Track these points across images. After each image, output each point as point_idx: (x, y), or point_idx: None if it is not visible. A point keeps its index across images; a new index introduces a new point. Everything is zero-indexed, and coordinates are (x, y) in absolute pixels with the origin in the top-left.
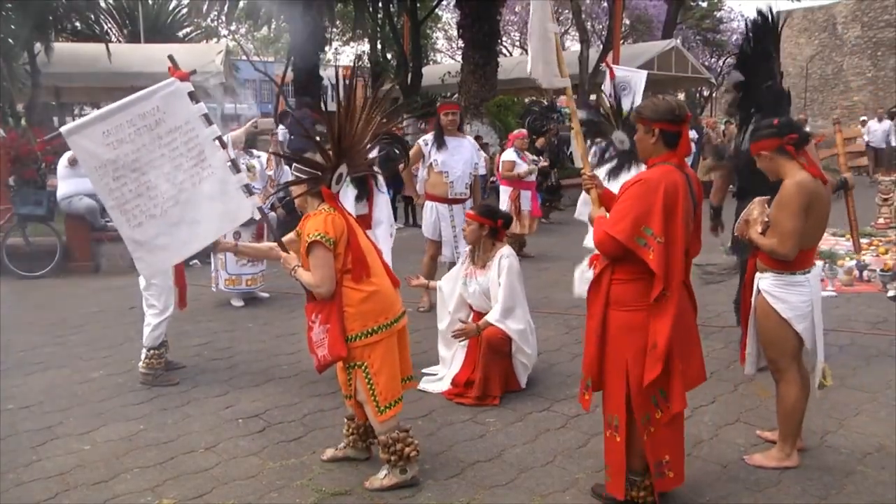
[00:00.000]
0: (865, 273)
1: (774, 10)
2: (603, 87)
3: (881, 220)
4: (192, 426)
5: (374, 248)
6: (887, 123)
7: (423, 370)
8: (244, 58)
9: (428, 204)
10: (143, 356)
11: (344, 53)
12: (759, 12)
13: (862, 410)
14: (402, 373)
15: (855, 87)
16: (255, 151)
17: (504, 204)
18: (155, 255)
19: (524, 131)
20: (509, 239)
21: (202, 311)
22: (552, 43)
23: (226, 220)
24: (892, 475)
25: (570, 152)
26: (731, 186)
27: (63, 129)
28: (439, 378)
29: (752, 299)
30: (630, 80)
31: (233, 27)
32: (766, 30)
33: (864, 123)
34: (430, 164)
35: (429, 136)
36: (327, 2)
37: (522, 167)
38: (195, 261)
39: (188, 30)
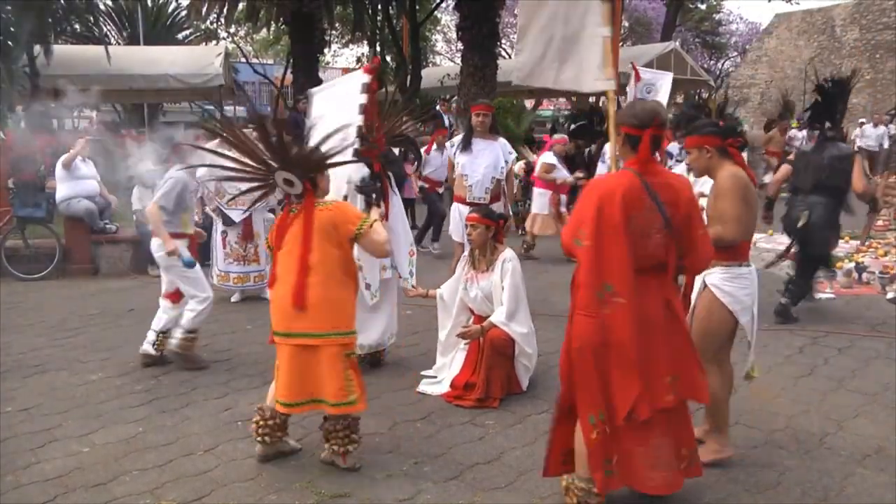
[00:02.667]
0: (864, 275)
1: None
2: (627, 89)
3: (879, 223)
4: (191, 428)
5: (293, 257)
6: (882, 128)
7: (423, 372)
8: (243, 60)
9: (454, 205)
10: (178, 336)
11: (343, 55)
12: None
13: (861, 412)
14: (302, 394)
15: (854, 89)
16: None
17: (542, 207)
18: None
19: (565, 137)
20: (527, 239)
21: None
22: (598, 46)
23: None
24: (891, 477)
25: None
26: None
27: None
28: (438, 381)
29: (694, 295)
30: (656, 81)
31: (232, 29)
32: (838, 85)
33: (861, 125)
34: (455, 165)
35: (457, 139)
36: (326, 4)
37: (562, 173)
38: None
39: (187, 32)
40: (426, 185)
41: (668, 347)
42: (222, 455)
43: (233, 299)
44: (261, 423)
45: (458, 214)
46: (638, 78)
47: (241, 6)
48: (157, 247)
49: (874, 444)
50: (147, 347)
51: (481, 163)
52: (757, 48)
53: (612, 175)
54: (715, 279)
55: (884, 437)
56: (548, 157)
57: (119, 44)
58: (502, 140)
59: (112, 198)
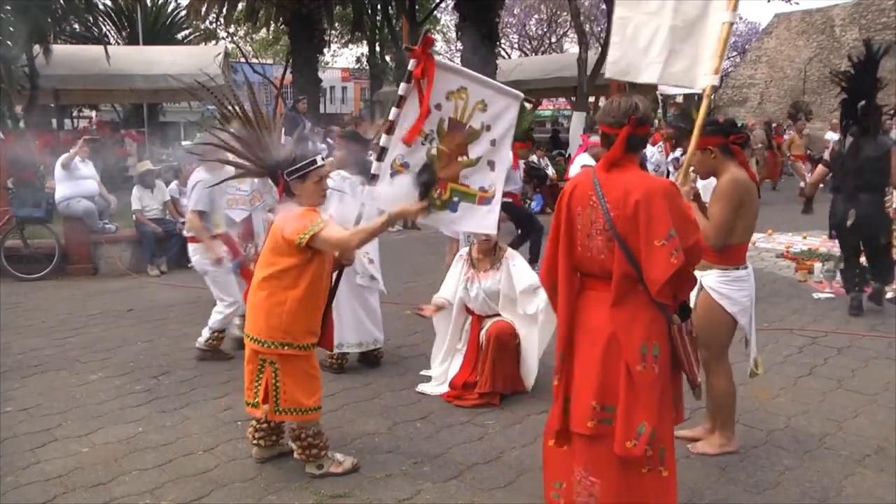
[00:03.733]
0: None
1: (873, 49)
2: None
3: None
4: (190, 428)
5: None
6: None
7: (422, 372)
8: (243, 60)
9: None
10: (205, 336)
11: (343, 55)
12: (866, 44)
13: (861, 413)
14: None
15: None
16: None
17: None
18: None
19: (597, 139)
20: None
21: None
22: (716, 34)
23: None
24: (890, 477)
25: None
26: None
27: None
28: (439, 382)
29: (693, 296)
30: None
31: (231, 29)
32: (868, 61)
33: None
34: None
35: None
36: (326, 4)
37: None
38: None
39: (187, 32)
40: (510, 200)
41: (606, 374)
42: (222, 455)
43: None
44: (256, 426)
45: None
46: None
47: (240, 6)
48: (193, 251)
49: (874, 444)
50: (200, 342)
51: None
52: (756, 48)
53: (578, 173)
54: (711, 282)
55: (883, 438)
56: (584, 159)
57: (118, 44)
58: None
59: (111, 198)
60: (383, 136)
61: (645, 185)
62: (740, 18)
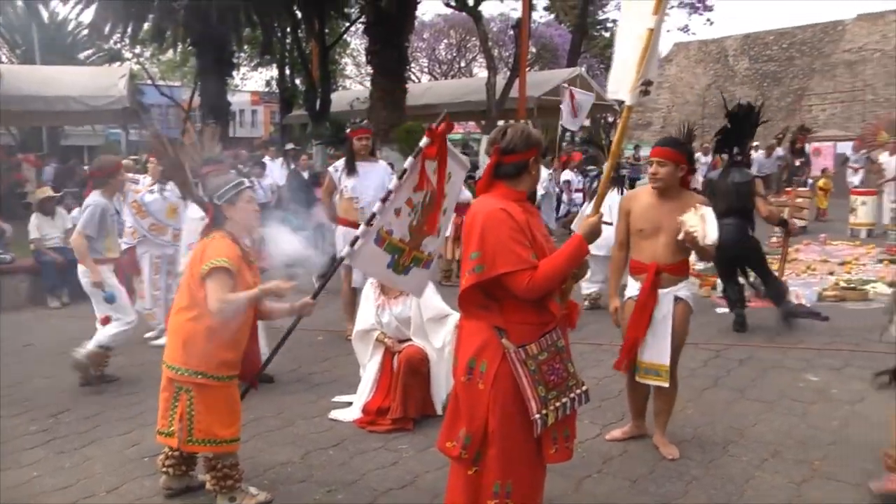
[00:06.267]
0: (762, 290)
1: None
2: (561, 107)
3: (773, 240)
4: (93, 468)
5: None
6: (780, 150)
7: (334, 399)
8: (149, 82)
9: (340, 229)
10: (88, 346)
11: (252, 79)
12: (748, 105)
13: (760, 420)
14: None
15: None
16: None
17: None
18: None
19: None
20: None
21: None
22: (643, 43)
23: None
24: (784, 478)
25: None
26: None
27: None
28: (350, 407)
29: (659, 308)
30: (582, 102)
31: (137, 50)
32: (747, 115)
33: (755, 149)
34: (342, 189)
35: (339, 163)
36: (234, 26)
37: (466, 194)
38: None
39: (89, 52)
40: None
41: (467, 402)
42: (127, 494)
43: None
44: (168, 452)
45: (348, 238)
46: (573, 97)
47: (146, 26)
48: (82, 273)
49: (771, 448)
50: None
51: (369, 184)
52: (658, 75)
53: None
54: (685, 293)
55: (779, 442)
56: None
57: (12, 62)
58: (382, 162)
59: (6, 226)
60: (378, 204)
61: (480, 209)
62: None
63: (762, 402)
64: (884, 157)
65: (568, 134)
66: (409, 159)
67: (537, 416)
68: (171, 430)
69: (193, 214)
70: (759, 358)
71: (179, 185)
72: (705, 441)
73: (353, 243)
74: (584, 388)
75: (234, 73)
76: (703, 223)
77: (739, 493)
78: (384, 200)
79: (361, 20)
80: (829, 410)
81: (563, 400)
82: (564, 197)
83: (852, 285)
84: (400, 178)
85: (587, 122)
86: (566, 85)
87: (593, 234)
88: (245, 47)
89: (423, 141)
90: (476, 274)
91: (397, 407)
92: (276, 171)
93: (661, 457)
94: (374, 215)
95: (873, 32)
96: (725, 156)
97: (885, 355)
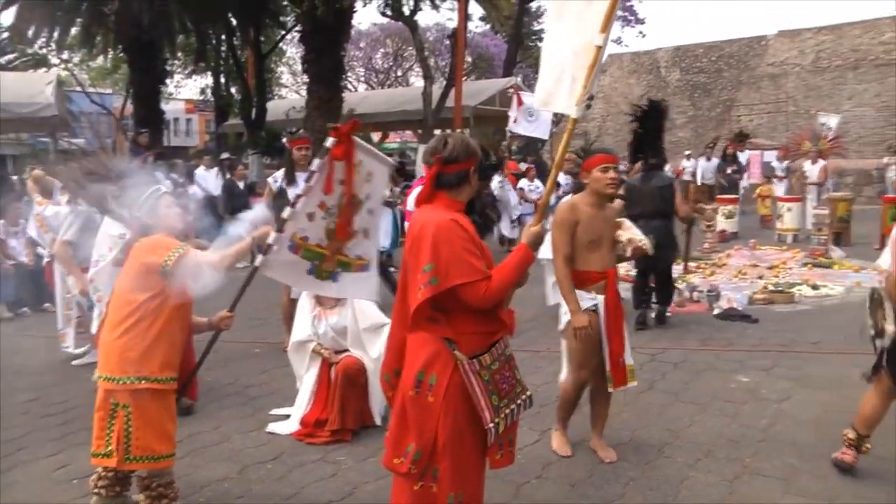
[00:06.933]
0: (695, 294)
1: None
2: (509, 113)
3: (706, 245)
4: (15, 495)
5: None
6: (715, 161)
7: (271, 412)
8: (79, 89)
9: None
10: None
11: (186, 86)
12: (651, 101)
13: (694, 422)
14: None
15: (679, 124)
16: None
17: None
18: None
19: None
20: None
21: (35, 364)
22: (591, 58)
23: None
24: (717, 477)
25: None
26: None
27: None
28: (288, 420)
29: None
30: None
31: (65, 55)
32: (651, 113)
33: (688, 157)
34: None
35: (279, 173)
36: (167, 32)
37: None
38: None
39: (12, 56)
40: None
41: (416, 417)
42: None
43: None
44: (101, 473)
45: None
46: (520, 102)
47: (73, 31)
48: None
49: (705, 448)
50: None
51: None
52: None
53: None
54: (624, 294)
55: (712, 442)
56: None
57: None
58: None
59: None
60: (287, 210)
61: (428, 220)
62: None
63: (696, 405)
64: (807, 166)
65: (505, 143)
66: (316, 161)
67: (491, 424)
68: (108, 450)
69: (109, 230)
70: (692, 360)
71: (92, 202)
72: (641, 443)
73: (265, 251)
74: (528, 393)
75: (168, 80)
76: (636, 233)
77: (675, 494)
78: (293, 205)
79: (297, 28)
80: (758, 410)
81: (512, 406)
82: (519, 204)
83: (780, 288)
84: (308, 180)
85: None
86: (512, 90)
87: (538, 242)
88: (178, 54)
89: (329, 141)
90: (432, 287)
91: (335, 418)
92: (210, 181)
93: (600, 460)
94: (285, 221)
95: (792, 48)
96: (640, 164)
97: (811, 355)
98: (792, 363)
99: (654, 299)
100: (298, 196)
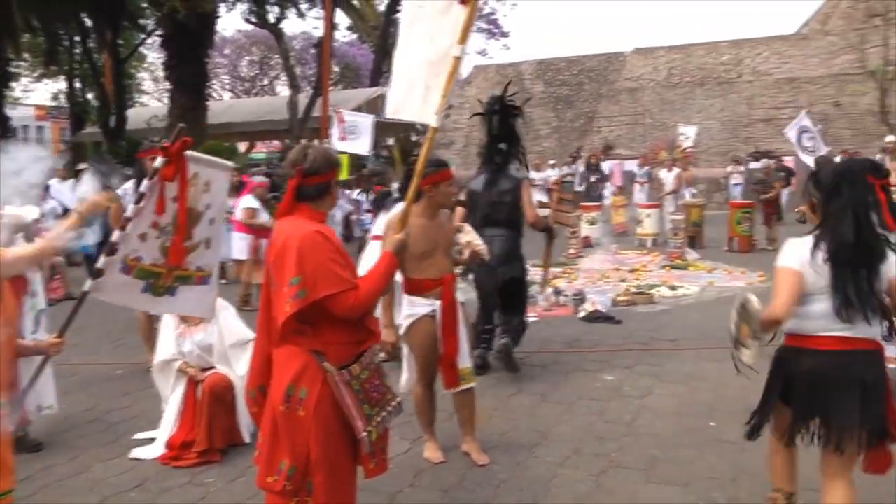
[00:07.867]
0: (561, 298)
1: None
2: (331, 131)
3: (571, 251)
4: None
5: None
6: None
7: (134, 436)
8: None
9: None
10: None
11: (37, 90)
12: (500, 97)
13: (562, 421)
14: None
15: (544, 134)
16: None
17: (242, 252)
18: None
19: (266, 181)
20: (243, 290)
21: None
22: (448, 68)
23: None
24: (585, 473)
25: None
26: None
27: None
28: (153, 444)
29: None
30: (358, 124)
31: None
32: (502, 109)
33: (553, 167)
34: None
35: (128, 185)
36: (11, 31)
37: (264, 216)
38: None
39: None
40: None
41: (287, 432)
42: None
43: None
44: None
45: None
46: (342, 120)
47: None
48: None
49: (573, 446)
50: None
51: None
52: (459, 95)
53: None
54: (462, 297)
55: (579, 440)
56: (249, 202)
57: None
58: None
59: None
60: (117, 232)
61: (292, 232)
62: None
63: (563, 404)
64: (663, 174)
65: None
66: (145, 182)
67: (364, 433)
68: None
69: None
70: (561, 362)
71: None
72: (511, 445)
73: (95, 275)
74: (398, 399)
75: (14, 83)
76: (475, 237)
77: (545, 492)
78: (123, 228)
79: (158, 32)
80: (622, 406)
81: (383, 414)
82: (353, 216)
83: (641, 290)
84: (138, 202)
85: (391, 141)
86: (334, 109)
87: (401, 249)
88: (26, 55)
89: (158, 161)
90: (299, 300)
91: (203, 438)
92: (66, 194)
93: (472, 464)
94: (114, 245)
95: (647, 65)
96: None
97: (669, 352)
98: (652, 360)
99: (498, 333)
100: (128, 219)
